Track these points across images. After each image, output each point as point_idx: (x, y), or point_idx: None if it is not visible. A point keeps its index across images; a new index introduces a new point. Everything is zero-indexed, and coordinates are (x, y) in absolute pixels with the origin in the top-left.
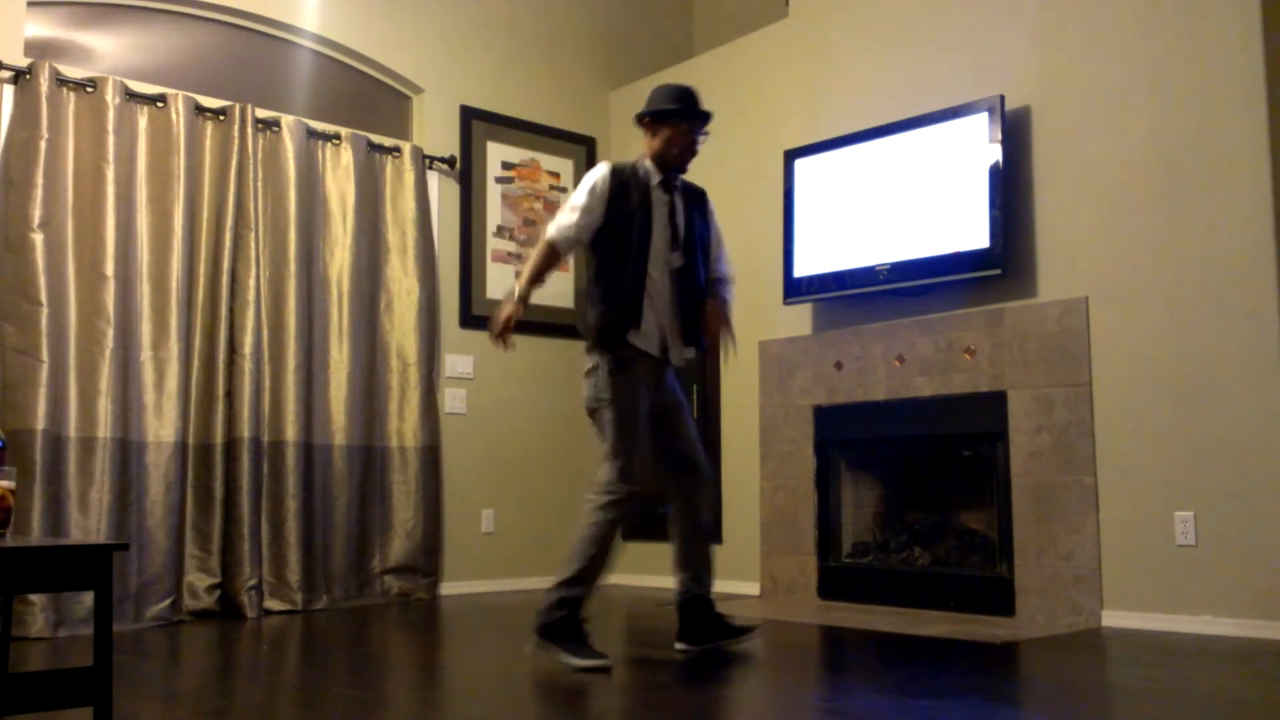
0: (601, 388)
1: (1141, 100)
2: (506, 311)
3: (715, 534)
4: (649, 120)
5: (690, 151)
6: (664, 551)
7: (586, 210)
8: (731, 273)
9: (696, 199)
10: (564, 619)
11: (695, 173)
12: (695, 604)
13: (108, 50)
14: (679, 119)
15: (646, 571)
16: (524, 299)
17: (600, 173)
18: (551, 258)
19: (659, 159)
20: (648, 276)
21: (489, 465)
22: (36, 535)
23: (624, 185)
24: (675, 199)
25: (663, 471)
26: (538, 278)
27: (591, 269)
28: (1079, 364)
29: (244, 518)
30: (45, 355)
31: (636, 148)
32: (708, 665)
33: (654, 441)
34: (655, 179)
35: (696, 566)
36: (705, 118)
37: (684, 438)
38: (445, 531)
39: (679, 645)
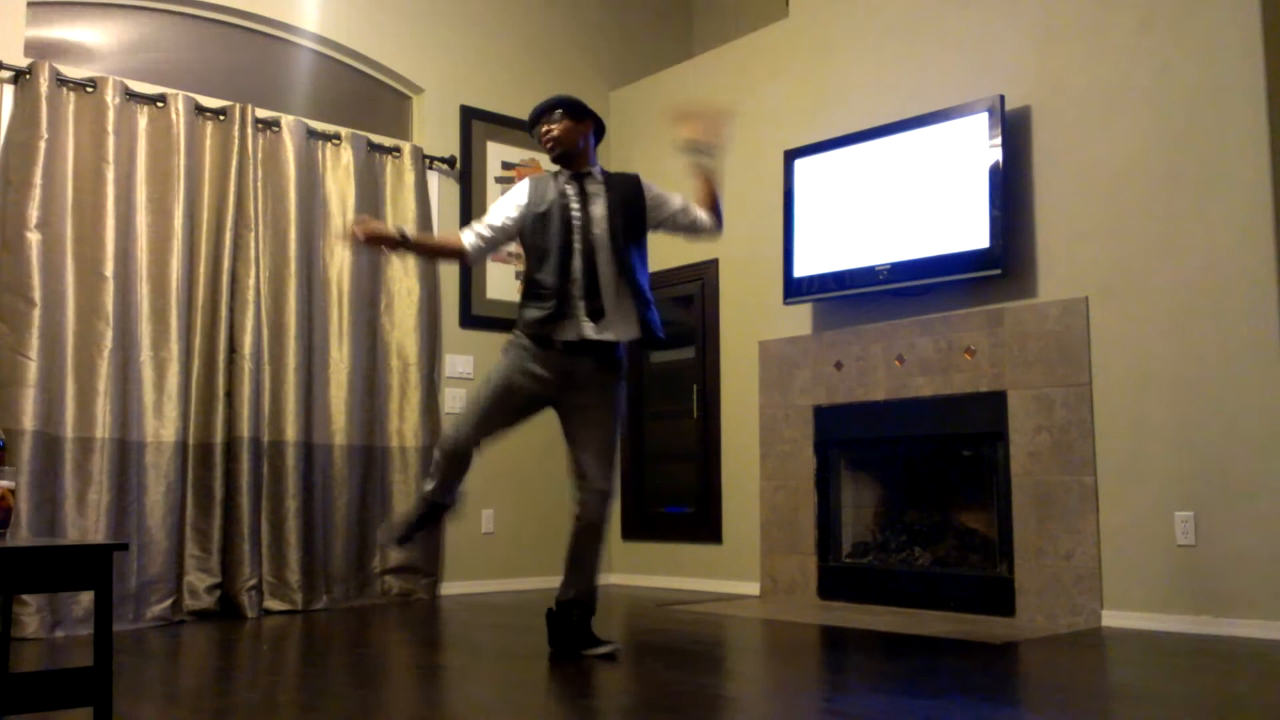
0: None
1: (1141, 100)
2: (384, 229)
3: (713, 534)
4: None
5: (549, 142)
6: (663, 551)
7: (498, 228)
8: (704, 216)
9: (625, 187)
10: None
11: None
12: (561, 611)
13: (108, 50)
14: (530, 128)
15: (646, 571)
16: (403, 239)
17: (523, 185)
18: (451, 255)
19: (558, 162)
20: (570, 269)
21: (489, 465)
22: (25, 535)
23: (540, 192)
24: (587, 188)
25: (572, 471)
26: (427, 251)
27: (526, 267)
28: (1079, 364)
29: (244, 518)
30: (35, 354)
31: (636, 148)
32: (707, 665)
33: (506, 421)
34: (564, 176)
35: (571, 575)
36: (540, 111)
37: (581, 446)
38: (445, 531)
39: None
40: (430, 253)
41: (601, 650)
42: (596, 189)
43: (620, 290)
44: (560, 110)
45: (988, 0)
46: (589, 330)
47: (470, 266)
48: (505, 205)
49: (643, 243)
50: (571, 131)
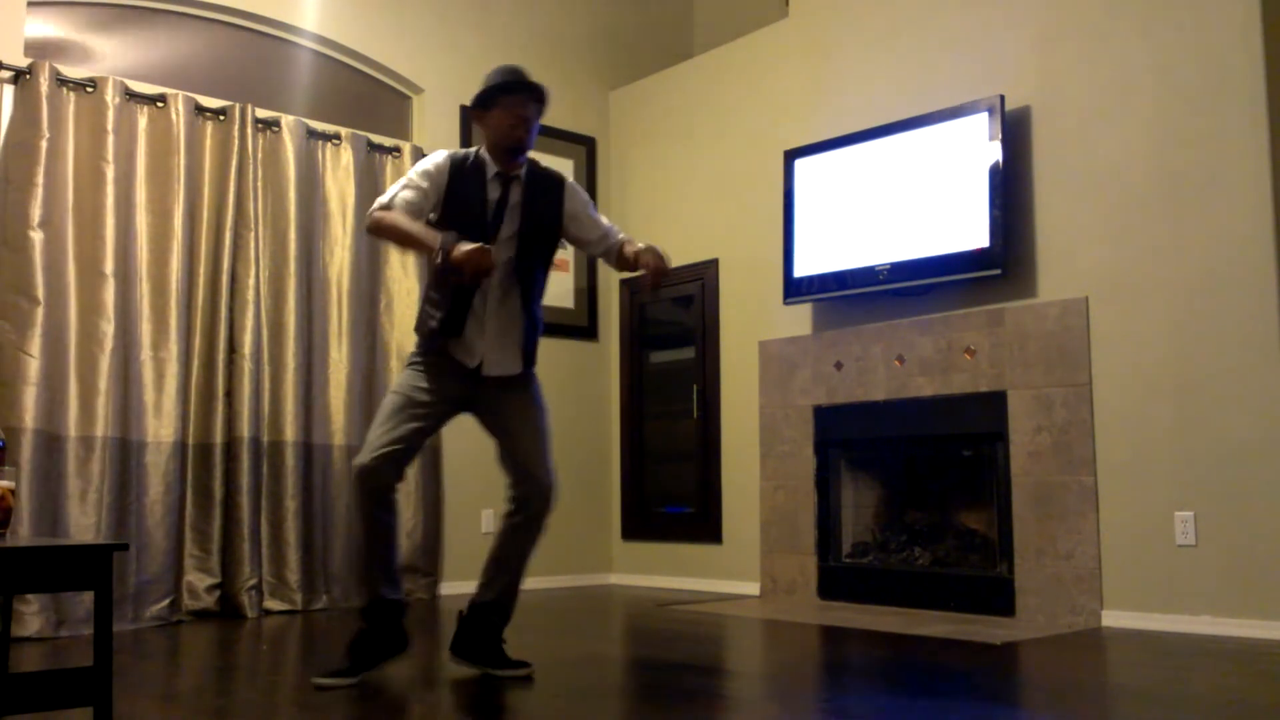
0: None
1: (1142, 100)
2: (479, 258)
3: (713, 534)
4: (478, 110)
5: (524, 127)
6: (663, 551)
7: (415, 187)
8: (625, 238)
9: (546, 189)
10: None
11: (697, 171)
12: (477, 614)
13: (108, 50)
14: (505, 93)
15: (646, 571)
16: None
17: (437, 158)
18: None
19: (496, 147)
20: (489, 285)
21: (489, 465)
22: (27, 534)
23: (462, 176)
24: (511, 192)
25: (506, 471)
26: (408, 241)
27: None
28: (1079, 364)
29: (244, 518)
30: (38, 352)
31: (636, 148)
32: (707, 665)
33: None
34: (492, 171)
35: (494, 576)
36: (534, 90)
37: (519, 447)
38: (445, 531)
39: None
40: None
41: (517, 673)
42: (517, 199)
43: (510, 318)
44: (541, 102)
45: (988, 0)
46: (498, 367)
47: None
48: (423, 176)
49: (549, 260)
50: (536, 129)
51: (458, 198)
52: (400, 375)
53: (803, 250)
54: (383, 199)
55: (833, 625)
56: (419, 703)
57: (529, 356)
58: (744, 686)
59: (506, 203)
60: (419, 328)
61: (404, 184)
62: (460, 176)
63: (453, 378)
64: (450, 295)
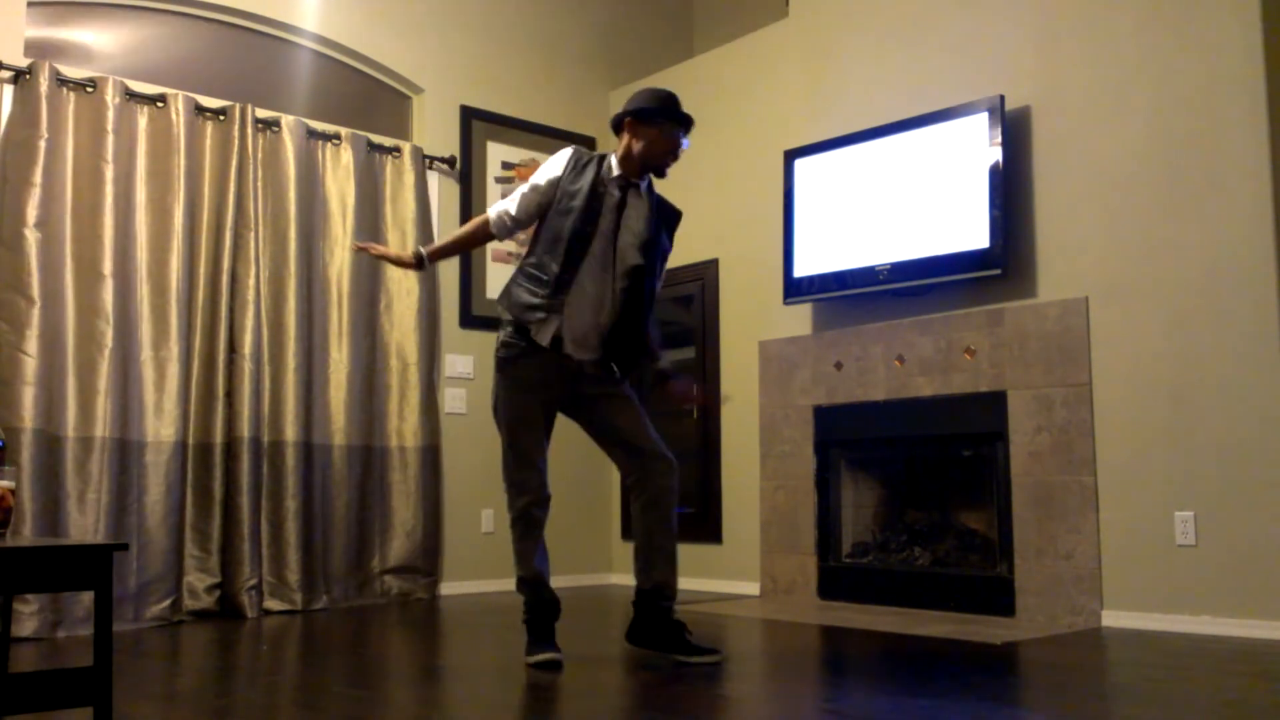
0: (494, 391)
1: (1142, 100)
2: (394, 253)
3: (713, 534)
4: (630, 120)
5: (673, 156)
6: None
7: (536, 190)
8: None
9: (667, 216)
10: (525, 621)
11: (697, 171)
12: (645, 601)
13: (108, 50)
14: (673, 121)
15: None
16: (419, 259)
17: (564, 154)
18: (480, 234)
19: (636, 161)
20: (580, 269)
21: (489, 465)
22: (29, 534)
23: (581, 168)
24: (630, 198)
25: (619, 461)
26: (455, 250)
27: (530, 244)
28: (1079, 364)
29: (244, 518)
30: (35, 352)
31: None
32: (707, 666)
33: (546, 438)
34: (614, 173)
35: (648, 560)
36: (690, 124)
37: (623, 427)
38: (445, 531)
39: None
40: (460, 248)
41: (705, 660)
42: (635, 204)
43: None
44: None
45: (988, 0)
46: (586, 354)
47: (500, 240)
48: (546, 177)
49: (656, 275)
50: None
51: (574, 184)
52: (498, 385)
53: (803, 250)
54: (504, 206)
55: (833, 625)
56: (420, 701)
57: (626, 362)
58: (744, 686)
59: (624, 206)
60: (515, 308)
61: (528, 187)
62: (580, 167)
63: (550, 370)
64: (563, 262)
